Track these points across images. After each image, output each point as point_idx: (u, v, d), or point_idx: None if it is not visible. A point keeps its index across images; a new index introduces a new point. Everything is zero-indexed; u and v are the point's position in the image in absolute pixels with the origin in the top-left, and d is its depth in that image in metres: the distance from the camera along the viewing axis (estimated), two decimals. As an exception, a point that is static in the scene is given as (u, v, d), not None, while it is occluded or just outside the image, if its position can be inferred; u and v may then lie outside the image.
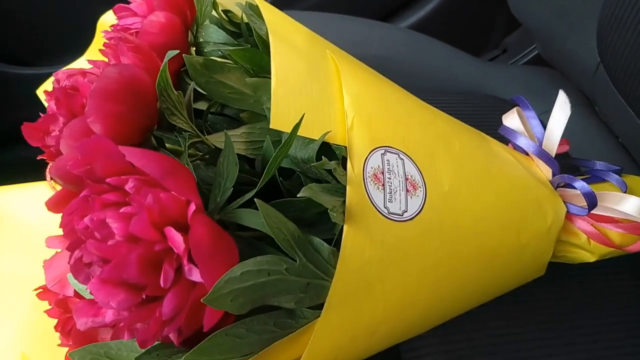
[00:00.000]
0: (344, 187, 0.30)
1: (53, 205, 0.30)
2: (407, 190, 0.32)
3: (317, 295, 0.29)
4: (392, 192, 0.32)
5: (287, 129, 0.30)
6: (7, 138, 0.76)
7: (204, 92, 0.34)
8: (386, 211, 0.31)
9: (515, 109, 0.44)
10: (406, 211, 0.32)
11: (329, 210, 0.28)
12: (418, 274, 0.33)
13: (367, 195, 0.31)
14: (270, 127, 0.30)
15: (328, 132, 0.31)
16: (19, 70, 0.75)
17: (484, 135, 0.43)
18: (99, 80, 0.27)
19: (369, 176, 0.31)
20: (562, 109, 0.42)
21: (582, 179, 0.43)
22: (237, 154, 0.32)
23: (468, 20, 0.91)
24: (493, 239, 0.36)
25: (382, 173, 0.32)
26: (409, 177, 0.33)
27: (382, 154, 0.33)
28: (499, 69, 0.72)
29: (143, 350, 0.26)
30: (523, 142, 0.42)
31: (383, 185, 0.32)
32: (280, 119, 0.30)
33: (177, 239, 0.24)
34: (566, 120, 0.42)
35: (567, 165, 0.46)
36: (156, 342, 0.27)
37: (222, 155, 0.31)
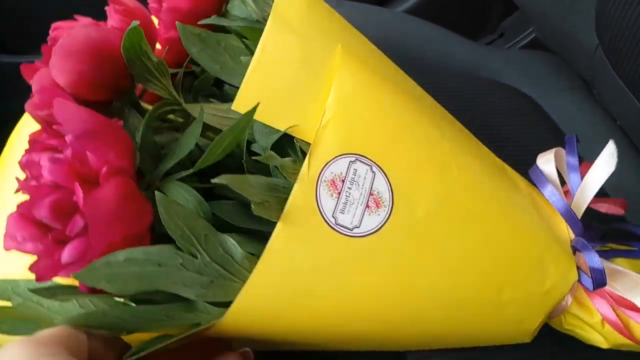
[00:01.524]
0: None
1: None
2: (367, 206, 0.30)
3: (224, 293, 0.28)
4: (348, 204, 0.30)
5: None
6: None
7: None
8: (333, 221, 0.29)
9: (554, 150, 0.39)
10: (358, 227, 0.30)
11: (252, 203, 0.26)
12: (357, 295, 0.30)
13: (315, 200, 0.29)
14: (232, 107, 0.29)
15: (294, 125, 0.30)
16: (9, 59, 0.77)
17: (506, 167, 0.38)
18: (65, 37, 0.28)
19: (324, 180, 0.29)
20: (607, 163, 0.36)
21: (622, 249, 0.37)
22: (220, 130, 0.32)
23: (464, 4, 0.90)
24: (463, 286, 0.32)
25: (343, 181, 0.30)
26: (375, 192, 0.30)
27: (351, 161, 0.30)
28: (496, 53, 0.71)
29: (41, 285, 0.27)
30: (548, 192, 0.38)
31: (339, 193, 0.30)
32: (244, 102, 0.29)
33: (79, 195, 0.24)
34: (607, 176, 0.36)
35: (618, 231, 0.41)
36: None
37: (189, 127, 0.31)
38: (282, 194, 0.29)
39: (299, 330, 0.30)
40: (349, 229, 0.29)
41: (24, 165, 0.28)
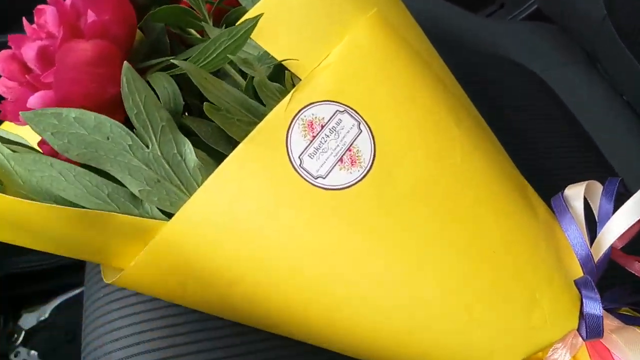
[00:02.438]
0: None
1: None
2: (341, 160, 0.28)
3: (170, 201, 0.27)
4: (320, 151, 0.28)
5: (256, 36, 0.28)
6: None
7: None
8: (298, 162, 0.27)
9: (587, 183, 0.34)
10: (323, 178, 0.27)
11: (205, 104, 0.25)
12: (306, 255, 0.28)
13: (286, 134, 0.27)
14: (238, 22, 0.29)
15: (294, 59, 0.28)
16: None
17: (528, 189, 0.34)
18: None
19: (303, 119, 0.28)
20: (636, 206, 0.31)
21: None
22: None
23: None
24: (428, 286, 0.29)
25: (322, 127, 0.28)
26: (354, 150, 0.28)
27: (338, 110, 0.28)
28: (497, 25, 0.68)
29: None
30: (566, 225, 0.33)
31: (313, 137, 0.28)
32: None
33: (59, 37, 0.25)
34: (635, 220, 0.31)
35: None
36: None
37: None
38: (253, 117, 0.27)
39: (243, 277, 0.28)
40: (312, 176, 0.27)
41: (36, 12, 0.28)
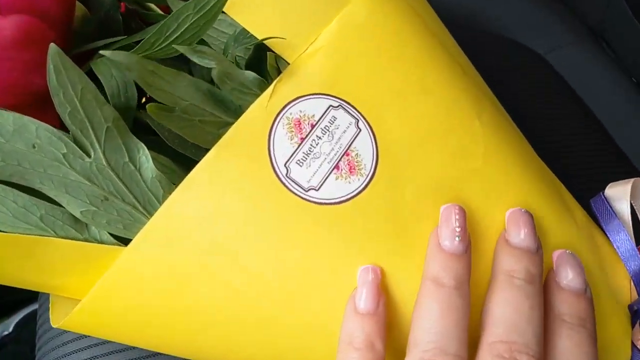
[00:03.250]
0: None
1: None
2: (337, 167, 0.22)
3: (123, 224, 0.21)
4: (311, 156, 0.22)
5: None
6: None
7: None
8: (284, 172, 0.22)
9: (633, 180, 0.29)
10: (315, 189, 0.22)
11: (154, 106, 0.20)
12: (293, 283, 0.22)
13: (268, 137, 0.22)
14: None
15: (279, 37, 0.23)
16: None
17: (562, 190, 0.29)
18: None
19: (288, 117, 0.22)
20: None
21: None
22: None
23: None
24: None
25: (312, 126, 0.22)
26: (352, 154, 0.23)
27: (332, 106, 0.23)
28: (497, 3, 0.64)
29: None
30: (613, 232, 0.27)
31: (302, 139, 0.22)
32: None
33: None
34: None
35: None
36: None
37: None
38: (226, 116, 0.22)
39: (216, 317, 0.22)
40: (302, 188, 0.22)
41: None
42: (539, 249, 0.22)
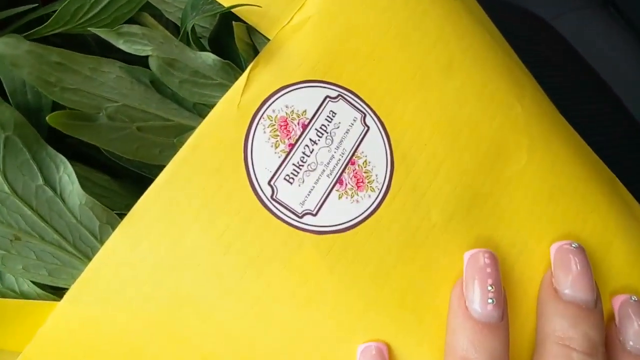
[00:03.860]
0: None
1: None
2: (339, 182, 0.16)
3: (47, 270, 0.15)
4: (304, 169, 0.16)
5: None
6: None
7: None
8: (269, 192, 0.16)
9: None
10: (312, 214, 0.16)
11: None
12: (272, 345, 0.16)
13: (243, 146, 0.16)
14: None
15: (253, 5, 0.16)
16: None
17: (616, 181, 0.23)
18: None
19: (270, 117, 0.16)
20: None
21: None
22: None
23: None
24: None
25: (305, 127, 0.16)
26: (359, 161, 0.17)
27: (328, 97, 0.17)
28: None
29: None
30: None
31: (291, 147, 0.16)
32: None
33: None
34: None
35: None
36: None
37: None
38: (180, 119, 0.15)
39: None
40: (294, 212, 0.16)
41: None
42: (598, 302, 0.17)
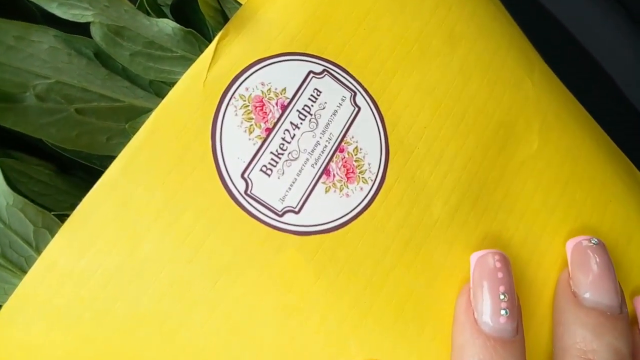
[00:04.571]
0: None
1: None
2: (326, 173, 0.14)
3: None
4: (283, 158, 0.14)
5: None
6: None
7: None
8: (242, 187, 0.13)
9: None
10: (294, 211, 0.14)
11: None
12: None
13: (210, 133, 0.13)
14: None
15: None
16: None
17: (629, 164, 0.21)
18: None
19: (241, 96, 0.13)
20: None
21: None
22: None
23: None
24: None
25: (284, 107, 0.14)
26: (349, 148, 0.14)
27: (312, 72, 0.14)
28: None
29: None
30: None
31: (268, 132, 0.14)
32: None
33: None
34: None
35: None
36: None
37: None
38: (132, 98, 0.13)
39: None
40: (273, 210, 0.13)
41: None
42: (623, 307, 0.14)
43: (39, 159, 0.15)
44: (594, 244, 0.15)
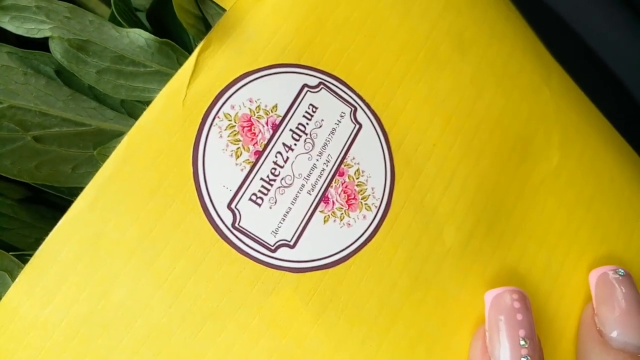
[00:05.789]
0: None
1: None
2: (324, 200, 0.12)
3: None
4: (275, 185, 0.12)
5: None
6: None
7: None
8: (228, 219, 0.12)
9: None
10: (289, 245, 0.12)
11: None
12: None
13: (191, 157, 0.11)
14: None
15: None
16: None
17: None
18: None
19: (226, 115, 0.12)
20: None
21: None
22: None
23: None
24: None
25: (275, 127, 0.12)
26: (350, 171, 0.13)
27: (307, 86, 0.13)
28: None
29: None
30: None
31: (257, 155, 0.12)
32: None
33: None
34: None
35: None
36: None
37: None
38: (101, 121, 0.11)
39: None
40: (264, 244, 0.12)
41: None
42: None
43: (3, 183, 0.13)
44: (621, 275, 0.14)
